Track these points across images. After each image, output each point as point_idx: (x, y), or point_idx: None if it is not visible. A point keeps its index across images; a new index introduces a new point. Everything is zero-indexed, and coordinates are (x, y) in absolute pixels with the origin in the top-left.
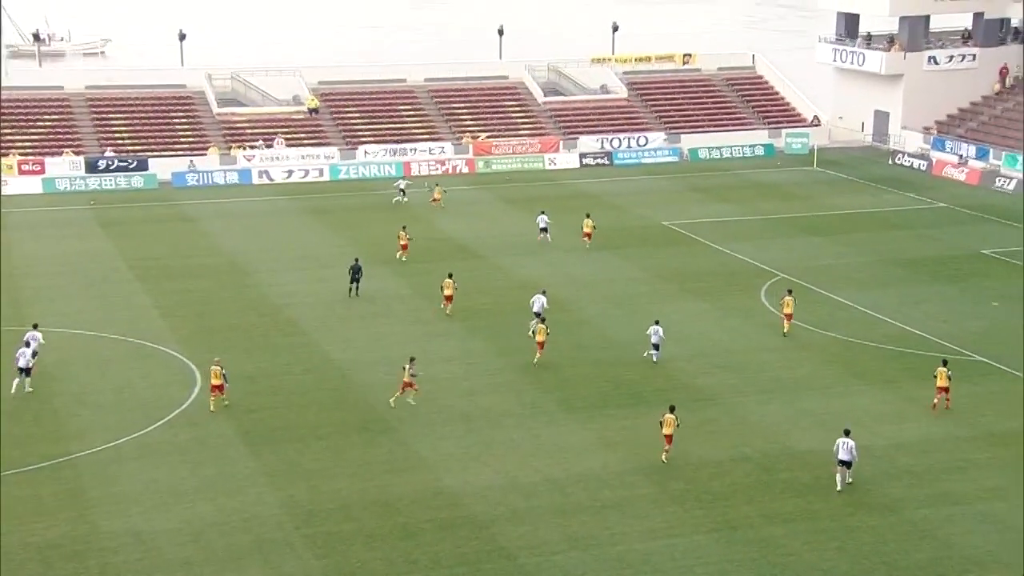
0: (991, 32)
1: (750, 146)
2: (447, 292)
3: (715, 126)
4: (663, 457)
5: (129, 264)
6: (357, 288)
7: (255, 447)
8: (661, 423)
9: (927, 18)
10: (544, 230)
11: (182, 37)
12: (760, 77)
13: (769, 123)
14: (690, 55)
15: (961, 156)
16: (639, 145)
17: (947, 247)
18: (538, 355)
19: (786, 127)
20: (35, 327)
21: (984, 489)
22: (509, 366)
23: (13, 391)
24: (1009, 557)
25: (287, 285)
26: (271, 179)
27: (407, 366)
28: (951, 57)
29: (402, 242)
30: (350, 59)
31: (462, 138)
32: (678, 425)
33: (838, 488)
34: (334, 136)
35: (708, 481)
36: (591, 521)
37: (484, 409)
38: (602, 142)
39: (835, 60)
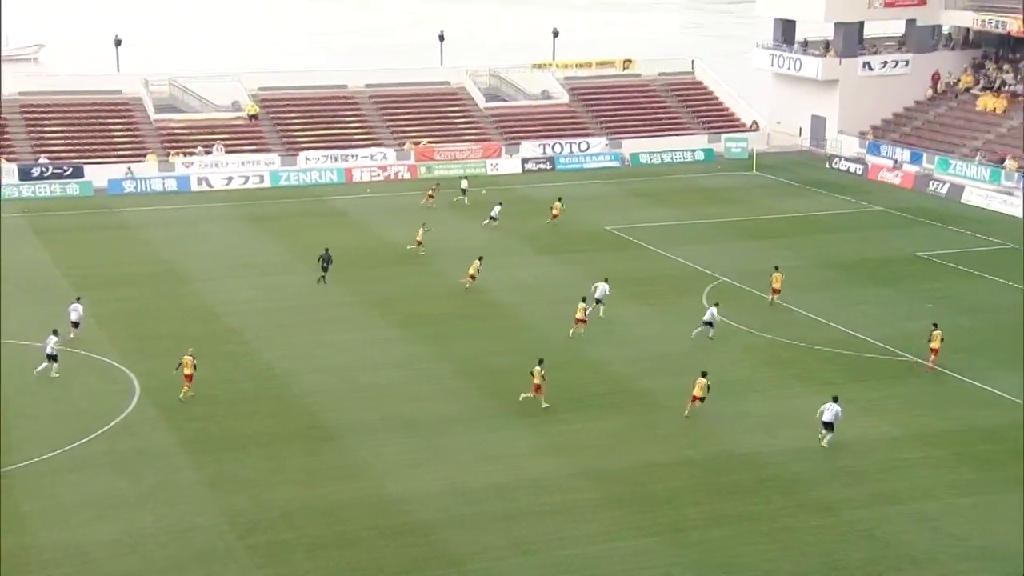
0: (923, 39)
1: (690, 151)
2: (471, 272)
3: (656, 131)
4: (685, 412)
5: (65, 273)
6: (325, 277)
7: (196, 456)
8: (694, 384)
9: (861, 25)
10: (493, 218)
11: (118, 43)
12: (699, 82)
13: (709, 128)
14: (630, 61)
15: (896, 160)
16: (581, 150)
17: (883, 250)
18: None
19: (725, 132)
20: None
21: (918, 488)
22: (455, 372)
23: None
24: (942, 555)
25: (227, 293)
26: (210, 186)
27: (538, 368)
28: (885, 63)
29: (418, 238)
30: (290, 65)
31: (404, 144)
32: (708, 387)
33: (823, 445)
34: (274, 142)
35: (652, 484)
36: (536, 526)
37: (429, 415)
38: (544, 147)
39: (773, 65)
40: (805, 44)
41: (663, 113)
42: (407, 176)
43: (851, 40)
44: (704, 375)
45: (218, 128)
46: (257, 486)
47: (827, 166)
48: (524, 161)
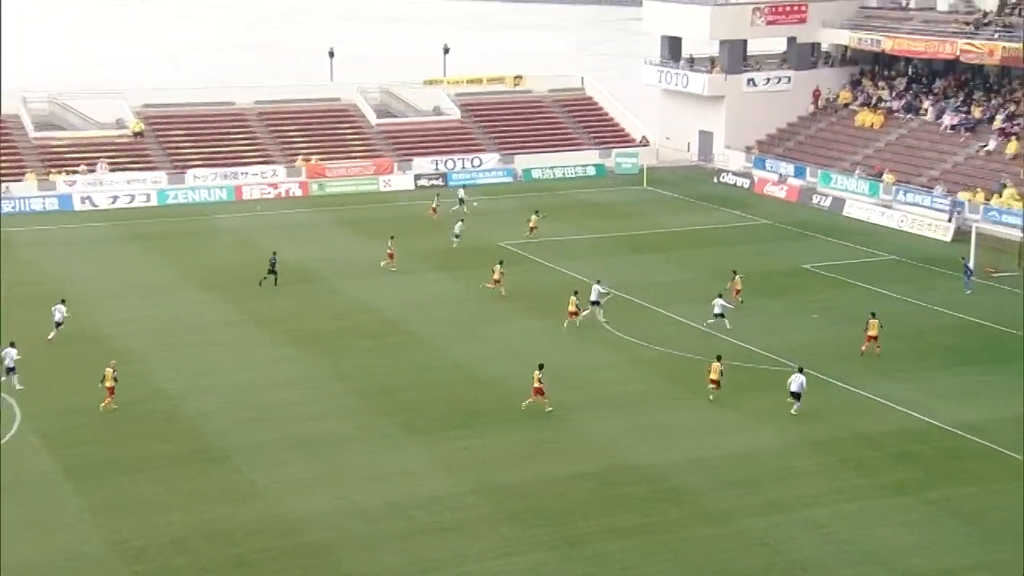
0: (804, 56)
1: (582, 166)
2: (495, 276)
3: (548, 147)
4: (710, 397)
5: None
6: (275, 279)
7: (80, 483)
8: (709, 370)
9: (745, 42)
10: (457, 236)
11: None
12: (590, 98)
13: (599, 143)
14: (521, 77)
15: (781, 174)
16: (473, 166)
17: (770, 262)
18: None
19: (616, 147)
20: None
21: (807, 496)
22: (349, 390)
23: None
24: (829, 560)
25: (114, 314)
26: (94, 205)
27: (537, 372)
28: (768, 79)
29: (389, 251)
30: (176, 81)
31: (295, 161)
32: (723, 372)
33: (792, 413)
34: (161, 160)
35: (548, 499)
36: (433, 544)
37: (324, 434)
38: (436, 163)
39: (660, 82)
40: (691, 61)
41: (554, 129)
42: (298, 193)
43: (735, 57)
44: (719, 359)
45: (101, 146)
46: (146, 511)
47: (715, 180)
48: (417, 177)
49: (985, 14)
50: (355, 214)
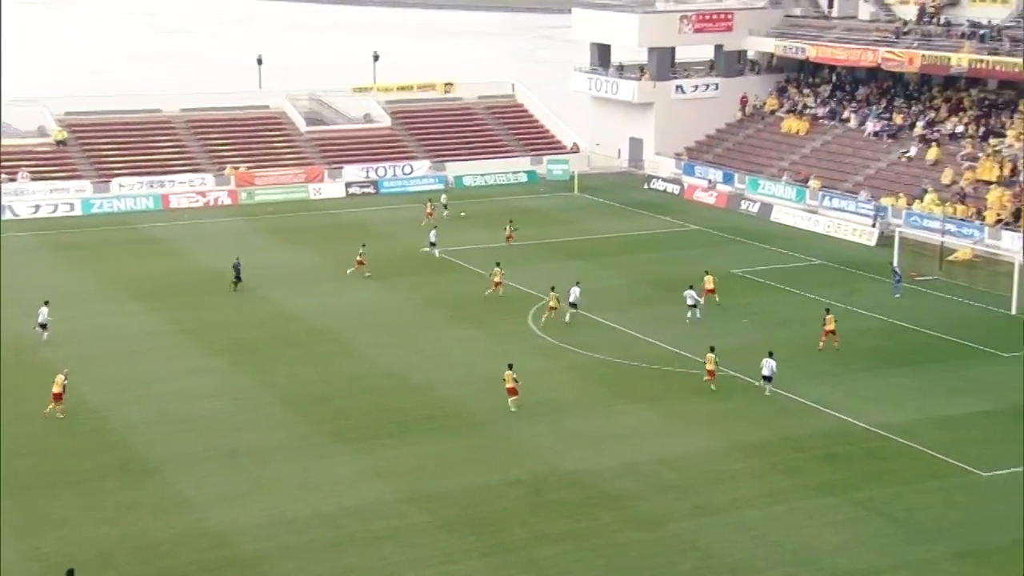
0: (731, 64)
1: (513, 173)
2: (496, 279)
3: (479, 154)
4: (711, 386)
5: None
6: (236, 284)
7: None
8: (705, 361)
9: (673, 50)
10: (433, 244)
11: None
12: (520, 105)
13: (531, 150)
14: (451, 84)
15: (710, 181)
16: (405, 174)
17: (700, 268)
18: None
19: (547, 154)
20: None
21: (740, 499)
22: (278, 399)
23: None
24: (760, 561)
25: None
26: (15, 214)
27: (509, 372)
28: (696, 87)
29: (359, 258)
30: (100, 89)
31: (224, 169)
32: (717, 362)
33: (766, 394)
34: (85, 169)
35: (480, 506)
36: (364, 553)
37: (252, 445)
38: (367, 171)
39: (590, 89)
40: (621, 68)
41: (485, 136)
42: (227, 202)
43: (664, 64)
44: (712, 350)
45: (23, 155)
46: (70, 526)
47: (645, 187)
48: (348, 185)
49: (905, 23)
50: (285, 222)
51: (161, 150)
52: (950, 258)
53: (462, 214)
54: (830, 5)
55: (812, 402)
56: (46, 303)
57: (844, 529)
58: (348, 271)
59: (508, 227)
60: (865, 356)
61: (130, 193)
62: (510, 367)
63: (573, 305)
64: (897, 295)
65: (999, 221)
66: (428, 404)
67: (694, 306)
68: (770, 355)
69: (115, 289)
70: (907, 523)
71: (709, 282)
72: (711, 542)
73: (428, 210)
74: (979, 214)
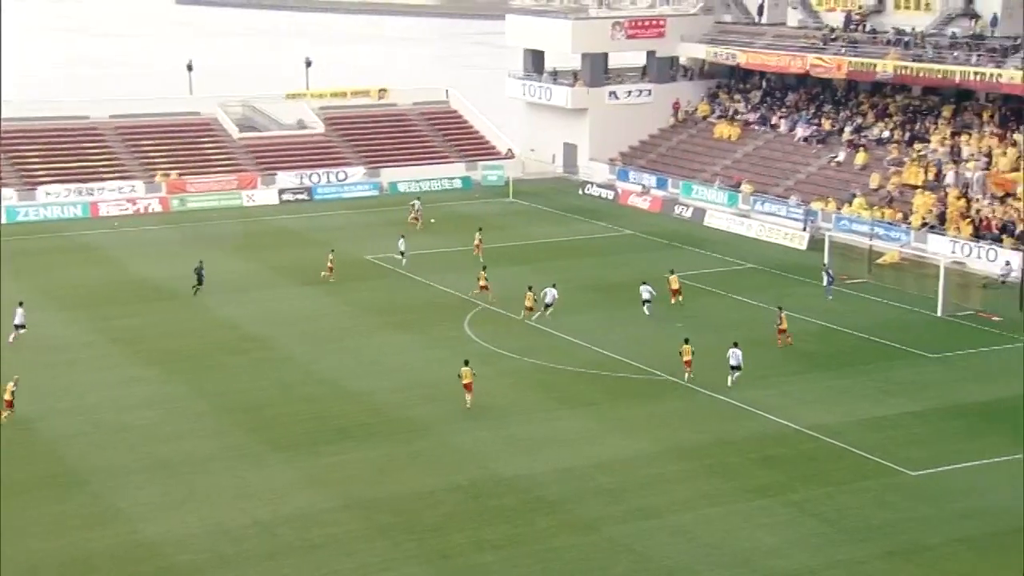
0: (663, 70)
1: (448, 179)
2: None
3: (413, 160)
4: (686, 377)
5: None
6: (197, 289)
7: None
8: (681, 353)
9: (606, 56)
10: (402, 254)
11: None
12: (455, 111)
13: (465, 156)
14: (385, 90)
15: (644, 186)
16: (339, 180)
17: (635, 272)
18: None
19: (481, 160)
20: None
21: (675, 501)
22: (212, 409)
23: None
24: (697, 564)
25: None
26: None
27: (467, 368)
28: (629, 92)
29: (329, 264)
30: (25, 95)
31: (154, 176)
32: (693, 352)
33: (729, 385)
34: (10, 176)
35: (419, 512)
36: (302, 562)
37: (186, 454)
38: (301, 177)
39: (525, 95)
40: (555, 74)
41: (420, 142)
42: (158, 209)
43: (597, 70)
44: (687, 341)
45: None
46: None
47: (580, 192)
48: (281, 192)
49: (832, 30)
50: (218, 229)
51: (89, 157)
52: (878, 261)
53: (432, 220)
54: (760, 12)
55: (747, 405)
56: (20, 304)
57: (779, 530)
58: (322, 274)
59: (477, 235)
60: (798, 359)
61: (57, 201)
62: (466, 363)
63: (548, 306)
64: (830, 297)
65: (924, 224)
66: (365, 411)
67: (648, 301)
68: (735, 345)
69: (45, 298)
70: (839, 523)
71: (674, 282)
72: (647, 545)
73: (413, 215)
74: (906, 218)
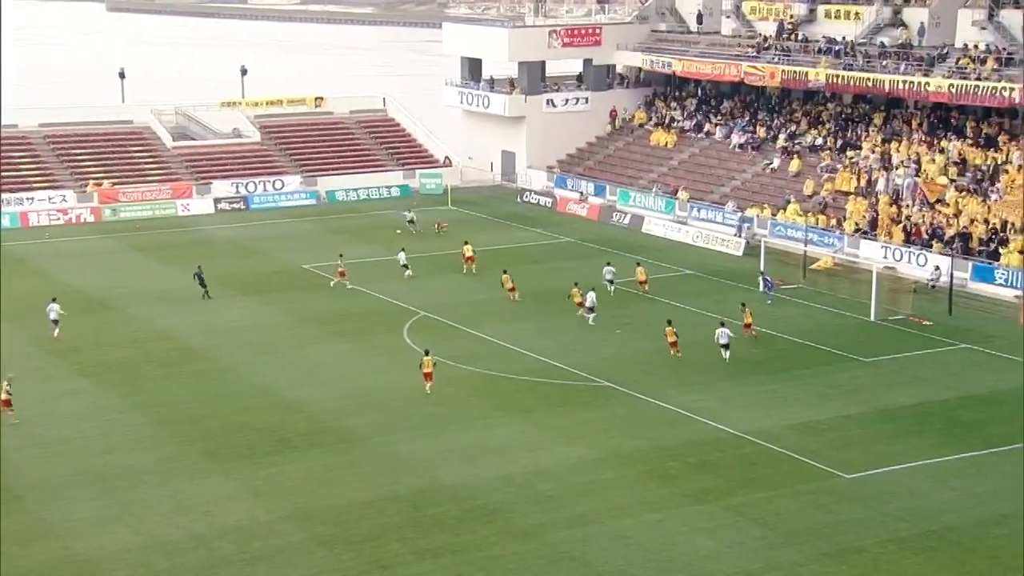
0: (599, 78)
1: (387, 187)
2: (508, 286)
3: (351, 168)
4: (673, 354)
5: None
6: (206, 292)
7: None
8: (666, 334)
9: (543, 64)
10: (405, 266)
11: None
12: (392, 119)
13: (403, 164)
14: (322, 98)
15: (581, 193)
16: (275, 189)
17: (574, 279)
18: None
19: (419, 168)
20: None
21: (615, 507)
22: (148, 421)
23: None
24: (636, 570)
25: None
26: None
27: (428, 358)
28: (567, 100)
29: (340, 269)
30: None
31: (86, 185)
32: (677, 333)
33: (725, 360)
34: None
35: (358, 522)
36: (239, 575)
37: (121, 467)
38: (237, 186)
39: (462, 103)
40: (492, 82)
41: (357, 150)
42: (90, 219)
43: (534, 78)
44: (669, 323)
45: None
46: None
47: (518, 200)
48: (217, 201)
49: (765, 39)
50: (153, 239)
51: (18, 166)
52: (813, 267)
53: (439, 224)
54: (700, 20)
55: (685, 410)
56: (54, 299)
57: (718, 535)
58: (332, 283)
59: (466, 249)
60: (735, 363)
61: None
62: (427, 352)
63: (590, 310)
64: (769, 302)
65: (857, 230)
66: (304, 421)
67: (611, 281)
68: (722, 324)
69: None
70: (777, 527)
71: (641, 274)
72: (588, 551)
73: (408, 218)
74: (839, 224)
